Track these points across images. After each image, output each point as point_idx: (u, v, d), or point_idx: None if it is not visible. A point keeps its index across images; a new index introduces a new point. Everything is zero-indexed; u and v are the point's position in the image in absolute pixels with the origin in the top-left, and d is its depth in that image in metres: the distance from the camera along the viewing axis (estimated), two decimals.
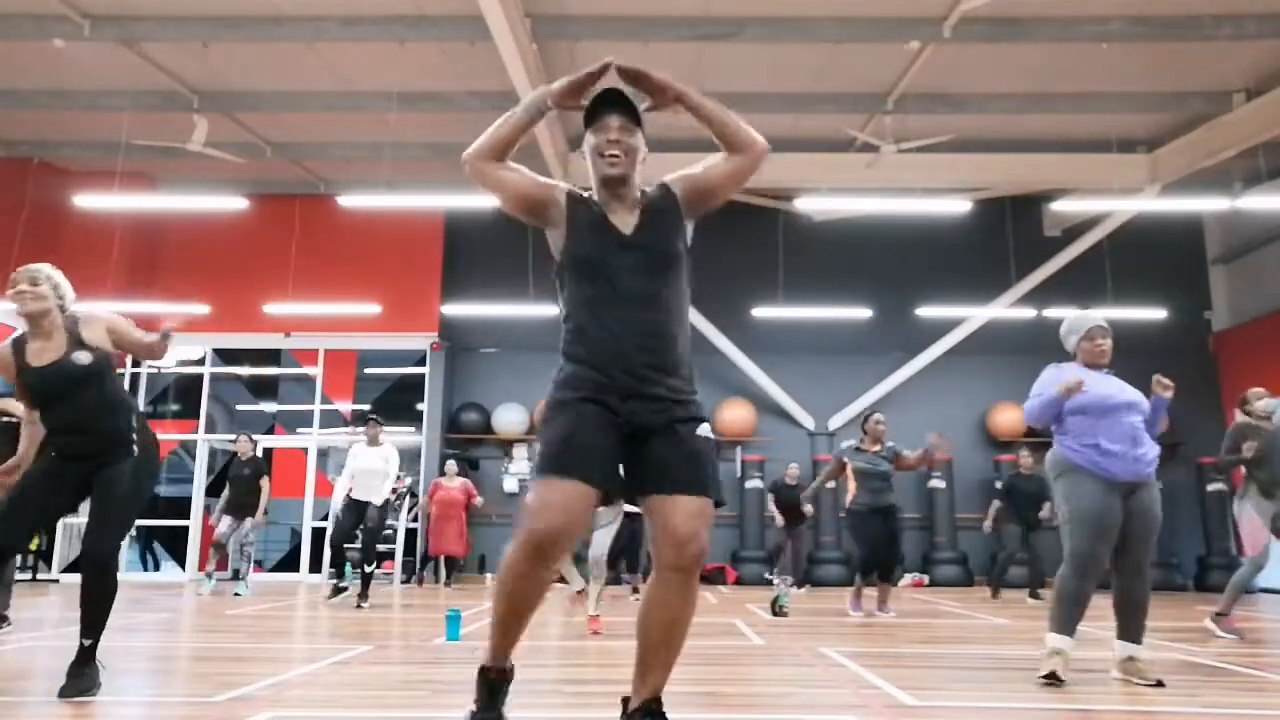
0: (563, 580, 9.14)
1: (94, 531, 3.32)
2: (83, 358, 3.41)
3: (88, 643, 3.29)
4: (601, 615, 5.90)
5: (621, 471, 2.37)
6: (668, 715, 2.31)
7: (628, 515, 7.60)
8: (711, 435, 2.44)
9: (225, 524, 9.46)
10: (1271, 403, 6.07)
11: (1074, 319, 4.15)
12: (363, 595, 7.77)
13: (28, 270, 3.51)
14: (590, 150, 2.46)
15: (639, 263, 2.41)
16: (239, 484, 9.53)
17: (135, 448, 3.47)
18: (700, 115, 2.46)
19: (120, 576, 3.44)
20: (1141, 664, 3.83)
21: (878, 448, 7.29)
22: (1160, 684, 3.69)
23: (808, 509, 11.23)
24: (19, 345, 3.49)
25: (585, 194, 2.52)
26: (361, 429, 8.58)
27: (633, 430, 2.34)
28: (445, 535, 11.00)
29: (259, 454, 10.12)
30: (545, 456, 2.29)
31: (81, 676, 3.25)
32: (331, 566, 8.11)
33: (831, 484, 7.36)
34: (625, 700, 2.37)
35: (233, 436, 12.92)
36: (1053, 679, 3.67)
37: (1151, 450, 3.87)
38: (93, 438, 3.42)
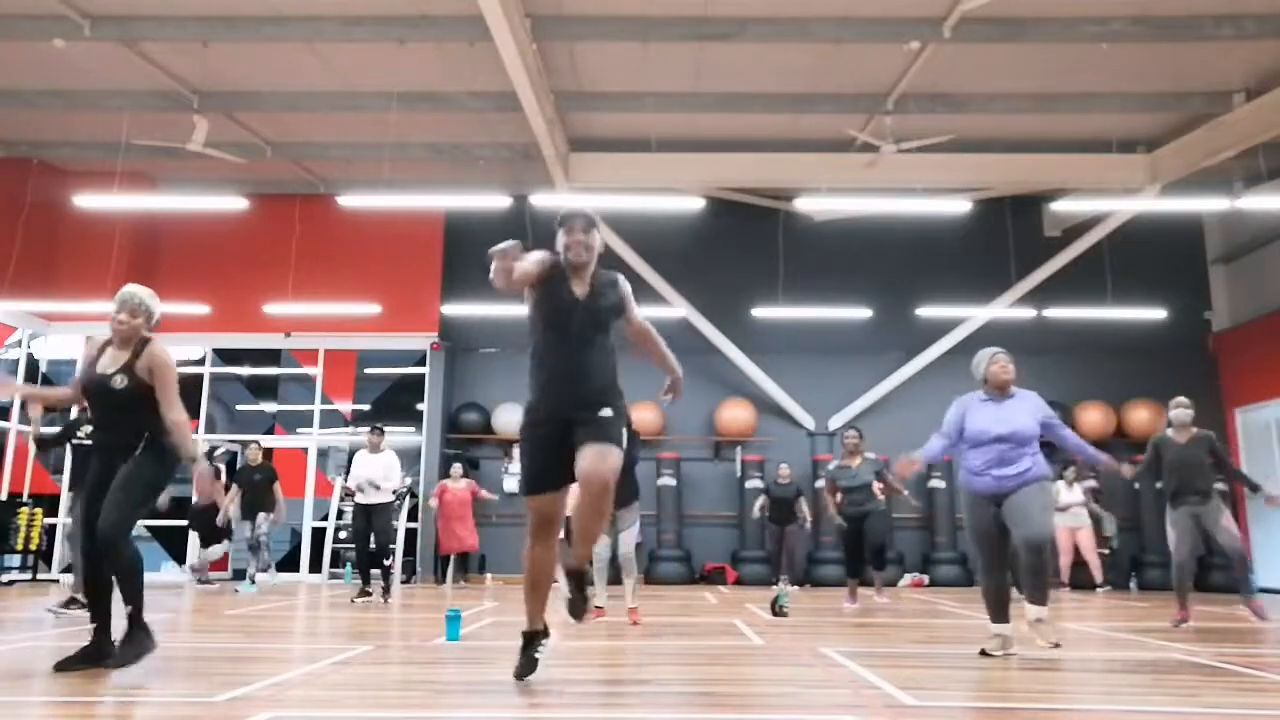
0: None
1: (100, 514, 3.73)
2: (119, 383, 3.88)
3: (129, 609, 3.72)
4: (639, 607, 6.44)
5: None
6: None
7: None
8: (610, 412, 3.48)
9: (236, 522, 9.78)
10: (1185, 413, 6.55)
11: (978, 355, 4.95)
12: (386, 591, 8.30)
13: (130, 299, 3.97)
14: (562, 245, 3.62)
15: (586, 319, 3.57)
16: (248, 487, 9.95)
17: (142, 444, 3.85)
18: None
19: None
20: (1047, 626, 4.64)
21: (857, 460, 8.10)
22: (1058, 645, 4.60)
23: (803, 512, 11.28)
24: (102, 348, 4.03)
25: (558, 262, 3.62)
26: (364, 430, 8.88)
27: (570, 427, 3.48)
28: (455, 534, 11.28)
29: (270, 461, 10.54)
30: (523, 482, 3.63)
31: (131, 643, 3.71)
32: (356, 569, 8.70)
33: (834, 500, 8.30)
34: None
35: (233, 437, 13.03)
36: (984, 654, 4.46)
37: (1022, 469, 4.53)
38: (111, 435, 3.93)
